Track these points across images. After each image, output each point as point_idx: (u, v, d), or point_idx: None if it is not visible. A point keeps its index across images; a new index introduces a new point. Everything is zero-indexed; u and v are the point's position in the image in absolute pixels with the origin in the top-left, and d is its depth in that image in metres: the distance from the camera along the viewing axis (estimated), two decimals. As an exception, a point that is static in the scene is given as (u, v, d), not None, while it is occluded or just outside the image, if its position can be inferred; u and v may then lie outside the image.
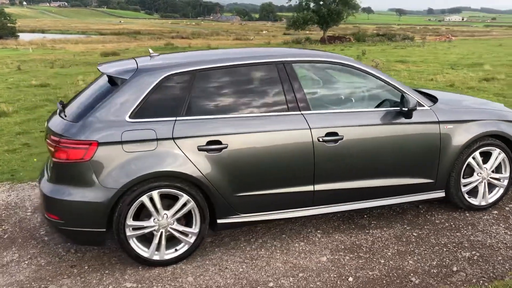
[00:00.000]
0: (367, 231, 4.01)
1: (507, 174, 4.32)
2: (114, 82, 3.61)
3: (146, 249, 3.50)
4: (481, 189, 4.29)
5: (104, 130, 3.33)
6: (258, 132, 3.58)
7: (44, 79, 14.59)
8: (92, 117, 3.37)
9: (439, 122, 4.01)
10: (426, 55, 23.57)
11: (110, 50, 31.96)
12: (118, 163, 3.34)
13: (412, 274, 3.34)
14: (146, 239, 3.53)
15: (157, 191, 3.41)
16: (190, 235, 3.57)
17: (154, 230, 3.48)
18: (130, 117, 3.40)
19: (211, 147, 3.47)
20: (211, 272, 3.47)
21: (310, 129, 3.67)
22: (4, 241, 4.03)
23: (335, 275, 3.37)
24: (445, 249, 3.67)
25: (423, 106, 4.01)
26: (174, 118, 3.46)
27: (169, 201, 3.51)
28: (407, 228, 4.05)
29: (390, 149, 3.90)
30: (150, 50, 4.13)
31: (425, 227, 4.06)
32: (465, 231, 3.96)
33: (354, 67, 3.97)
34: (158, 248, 3.51)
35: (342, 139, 3.73)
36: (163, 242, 3.52)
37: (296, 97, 3.73)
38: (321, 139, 3.68)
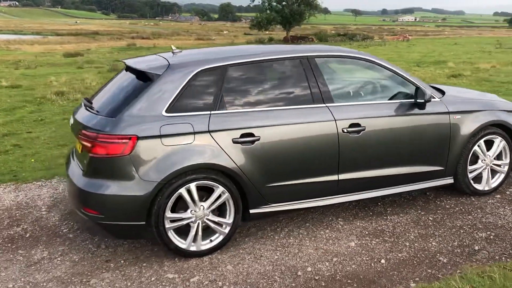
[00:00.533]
0: (385, 217, 4.23)
1: (507, 161, 4.65)
2: (145, 78, 3.65)
3: (183, 241, 3.57)
4: (484, 175, 4.60)
5: (143, 124, 3.38)
6: (287, 124, 3.73)
7: (13, 80, 14.14)
8: (129, 112, 3.41)
9: (449, 113, 4.28)
10: (390, 54, 24.35)
11: (71, 50, 31.16)
12: (158, 157, 3.40)
13: (438, 254, 3.57)
14: (181, 231, 3.60)
15: (194, 183, 3.50)
16: (224, 226, 3.67)
17: (191, 221, 3.56)
18: (166, 111, 3.46)
19: (245, 140, 3.59)
20: (247, 260, 3.58)
21: (335, 120, 3.85)
22: (27, 240, 4.00)
23: (367, 258, 3.56)
24: (462, 231, 3.93)
25: (435, 98, 4.26)
26: (209, 112, 3.55)
27: (203, 193, 3.60)
28: (421, 213, 4.30)
29: (407, 139, 4.13)
30: (173, 47, 4.20)
31: (438, 211, 4.32)
32: (476, 214, 4.24)
33: (371, 61, 4.18)
34: (195, 239, 3.60)
35: (364, 130, 3.93)
36: (200, 233, 3.60)
37: (321, 90, 3.90)
38: (345, 130, 3.86)
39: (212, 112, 3.57)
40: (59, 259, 3.68)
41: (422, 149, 4.23)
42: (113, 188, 3.37)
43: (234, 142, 3.57)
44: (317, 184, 3.89)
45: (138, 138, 3.35)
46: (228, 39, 53.80)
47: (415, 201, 4.56)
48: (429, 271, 3.36)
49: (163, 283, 3.30)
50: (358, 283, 3.24)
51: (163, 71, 3.58)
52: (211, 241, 3.67)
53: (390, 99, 4.28)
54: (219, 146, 3.53)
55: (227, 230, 3.69)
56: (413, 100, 4.15)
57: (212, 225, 3.64)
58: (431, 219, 4.17)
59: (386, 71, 4.23)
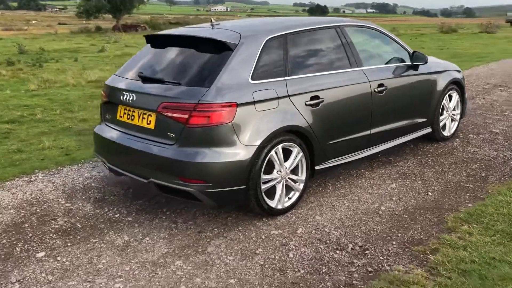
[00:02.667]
0: (397, 164, 4.99)
1: (459, 110, 5.84)
2: (220, 48, 3.67)
3: (271, 201, 3.79)
4: (448, 123, 5.70)
5: (238, 91, 3.50)
6: (341, 86, 4.20)
7: None
8: (222, 80, 3.48)
9: (431, 73, 5.22)
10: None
11: None
12: (254, 122, 3.56)
13: (462, 183, 4.46)
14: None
15: (281, 145, 3.74)
16: (299, 183, 3.98)
17: (277, 181, 3.80)
18: (251, 79, 3.62)
19: (314, 102, 3.95)
20: (326, 210, 3.96)
21: (369, 82, 4.44)
22: (85, 230, 3.73)
23: (416, 194, 4.26)
24: (459, 166, 4.91)
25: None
26: (284, 78, 3.81)
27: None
28: (419, 158, 5.18)
29: (410, 95, 4.94)
30: (212, 19, 4.26)
31: (429, 155, 5.26)
32: (456, 153, 5.30)
33: (377, 30, 4.90)
34: (279, 198, 3.84)
35: (386, 89, 4.60)
36: (284, 192, 3.86)
37: (354, 55, 4.44)
38: (376, 90, 4.48)
39: (286, 78, 3.83)
40: (147, 238, 3.55)
41: (418, 103, 5.10)
42: (220, 155, 3.43)
43: (307, 105, 3.90)
44: (358, 138, 4.45)
45: (238, 105, 3.46)
46: (43, 30, 49.11)
47: (404, 151, 5.42)
48: (468, 195, 4.21)
49: (276, 239, 3.51)
50: (429, 211, 3.91)
51: (238, 41, 3.70)
52: (289, 198, 3.95)
53: (387, 62, 5.01)
54: (296, 109, 3.82)
55: (301, 187, 4.00)
56: (410, 63, 4.95)
57: (291, 183, 3.92)
58: (430, 161, 5.08)
59: (388, 39, 4.95)
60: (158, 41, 4.21)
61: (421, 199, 4.14)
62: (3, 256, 3.32)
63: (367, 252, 3.29)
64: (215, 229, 3.68)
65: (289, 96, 3.78)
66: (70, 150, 5.71)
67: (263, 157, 3.61)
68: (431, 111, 5.32)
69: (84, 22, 53.06)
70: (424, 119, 5.27)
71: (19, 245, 3.48)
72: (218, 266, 3.17)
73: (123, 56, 16.67)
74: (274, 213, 3.83)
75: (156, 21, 49.62)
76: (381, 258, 3.21)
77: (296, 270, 3.10)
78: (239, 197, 3.59)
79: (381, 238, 3.47)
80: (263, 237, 3.55)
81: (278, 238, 3.51)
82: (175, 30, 4.43)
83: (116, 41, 25.20)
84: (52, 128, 6.71)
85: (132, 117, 3.80)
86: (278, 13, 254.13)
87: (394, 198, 4.17)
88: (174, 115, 3.46)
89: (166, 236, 3.59)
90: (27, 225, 3.79)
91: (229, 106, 3.42)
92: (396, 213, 3.89)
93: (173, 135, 3.50)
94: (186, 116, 3.40)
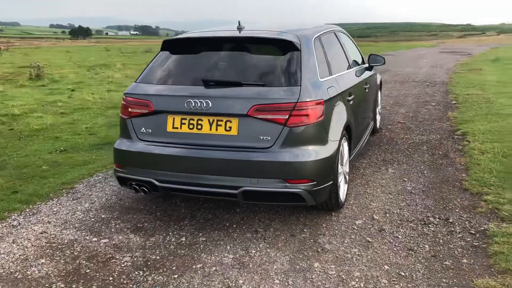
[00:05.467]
0: (369, 156, 5.59)
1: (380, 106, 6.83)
2: (287, 47, 3.59)
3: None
4: (378, 118, 6.60)
5: (319, 89, 3.56)
6: (358, 83, 4.60)
7: None
8: (306, 79, 3.48)
9: (376, 74, 6.01)
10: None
11: None
12: (333, 118, 3.66)
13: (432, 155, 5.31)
14: None
15: (344, 138, 3.92)
16: (345, 174, 4.18)
17: (341, 173, 3.95)
18: (320, 77, 3.72)
19: (350, 98, 4.23)
20: (372, 193, 4.28)
21: (364, 80, 4.94)
22: (155, 227, 3.25)
23: (414, 171, 4.90)
24: (413, 147, 5.79)
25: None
26: (332, 76, 3.99)
27: None
28: (383, 147, 5.89)
29: (369, 93, 5.57)
30: (239, 22, 4.13)
31: (382, 145, 6.01)
32: (407, 139, 6.20)
33: (348, 36, 5.41)
34: (343, 191, 4.00)
35: (369, 86, 5.18)
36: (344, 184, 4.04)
37: (348, 57, 4.87)
38: (366, 88, 5.02)
39: (334, 76, 4.02)
40: (253, 251, 3.31)
41: (373, 98, 5.82)
42: (319, 152, 3.41)
43: (348, 101, 4.16)
44: (363, 130, 4.91)
45: (324, 102, 3.52)
46: None
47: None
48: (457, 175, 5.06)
49: (368, 227, 3.67)
50: (443, 186, 4.59)
51: (299, 40, 3.72)
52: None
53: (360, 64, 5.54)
54: (345, 105, 4.05)
55: (347, 177, 4.21)
56: (367, 65, 5.62)
57: (346, 176, 4.11)
58: (391, 148, 5.83)
59: (352, 44, 5.52)
60: (188, 45, 3.89)
61: (421, 175, 4.80)
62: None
63: (451, 220, 3.74)
64: (305, 230, 3.62)
65: (341, 93, 3.98)
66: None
67: (339, 151, 3.74)
68: (376, 107, 6.12)
69: None
70: (372, 114, 6.02)
71: (124, 289, 2.83)
72: (355, 259, 3.18)
73: None
74: (341, 206, 3.96)
75: None
76: (466, 222, 3.69)
77: (422, 246, 3.34)
78: (328, 193, 3.61)
79: (443, 209, 3.96)
80: (355, 227, 3.66)
81: (369, 226, 3.67)
82: (217, 32, 4.09)
83: None
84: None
85: (199, 126, 3.44)
86: (34, 34, 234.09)
87: (405, 179, 4.72)
88: (271, 116, 3.31)
89: (280, 245, 3.38)
90: (88, 271, 3.08)
91: (319, 103, 3.45)
92: (425, 188, 4.45)
93: (268, 137, 3.33)
94: (286, 117, 3.30)
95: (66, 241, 3.50)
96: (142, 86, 3.70)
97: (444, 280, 2.90)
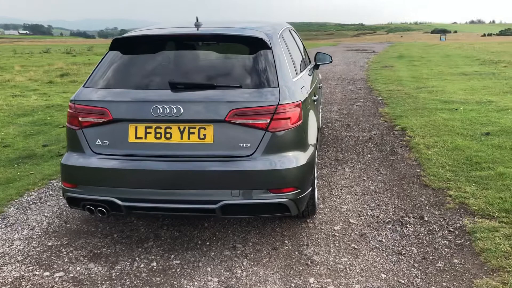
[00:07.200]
0: (329, 155, 5.47)
1: (321, 105, 6.75)
2: (256, 46, 3.29)
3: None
4: (320, 116, 6.53)
5: (296, 90, 3.31)
6: (315, 83, 4.41)
7: None
8: (282, 79, 3.20)
9: (319, 72, 5.92)
10: None
11: None
12: (309, 119, 3.44)
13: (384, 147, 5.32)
14: None
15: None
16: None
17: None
18: (292, 77, 3.47)
19: (315, 98, 4.06)
20: (337, 199, 4.14)
21: (318, 79, 4.79)
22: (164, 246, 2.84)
23: (372, 165, 4.86)
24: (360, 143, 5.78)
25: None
26: (299, 76, 3.75)
27: None
28: (332, 146, 5.81)
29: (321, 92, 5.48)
30: (197, 18, 3.75)
31: (336, 140, 5.94)
32: (346, 137, 6.16)
33: (297, 35, 5.23)
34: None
35: (322, 85, 5.04)
36: (316, 189, 3.84)
37: (303, 55, 4.70)
38: (319, 86, 4.87)
39: (300, 76, 3.79)
40: (239, 272, 2.99)
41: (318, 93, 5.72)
42: (301, 158, 3.16)
43: (314, 101, 3.98)
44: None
45: (302, 103, 3.29)
46: None
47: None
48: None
49: (347, 232, 3.51)
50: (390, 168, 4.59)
51: (267, 38, 3.45)
52: (312, 196, 3.93)
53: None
54: (313, 107, 3.86)
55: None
56: (314, 63, 5.49)
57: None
58: (344, 144, 5.78)
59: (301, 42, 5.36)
60: (144, 44, 3.44)
61: (378, 173, 4.77)
62: None
63: (426, 219, 3.69)
64: (285, 241, 3.37)
65: (309, 93, 3.77)
66: None
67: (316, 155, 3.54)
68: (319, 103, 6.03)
69: None
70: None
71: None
72: (349, 269, 3.00)
73: None
74: (315, 212, 3.76)
75: None
76: (441, 220, 3.67)
77: (409, 249, 3.24)
78: (307, 199, 3.39)
79: (413, 207, 3.91)
80: (336, 234, 3.48)
81: (349, 232, 3.51)
82: (169, 30, 3.64)
83: None
84: None
85: (168, 135, 3.03)
86: None
87: (364, 178, 4.65)
88: (252, 121, 3.00)
89: (265, 261, 3.09)
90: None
91: (298, 105, 3.20)
92: (387, 187, 4.40)
93: (249, 144, 3.02)
94: (267, 121, 3.01)
95: (10, 280, 2.91)
96: (94, 91, 3.19)
97: (444, 284, 2.80)
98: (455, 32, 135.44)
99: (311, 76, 4.49)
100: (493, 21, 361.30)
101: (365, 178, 4.63)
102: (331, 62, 5.48)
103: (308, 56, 5.45)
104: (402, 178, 4.61)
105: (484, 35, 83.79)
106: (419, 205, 3.95)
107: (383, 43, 45.45)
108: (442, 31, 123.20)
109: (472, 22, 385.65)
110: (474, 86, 10.48)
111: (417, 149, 5.49)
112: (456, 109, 7.68)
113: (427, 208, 3.89)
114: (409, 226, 3.56)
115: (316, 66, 5.39)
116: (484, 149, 5.32)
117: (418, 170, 4.80)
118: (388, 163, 5.10)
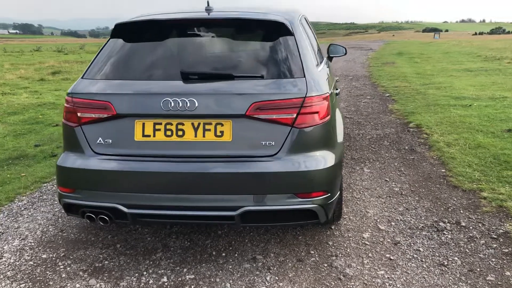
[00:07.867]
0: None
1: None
2: (278, 32, 2.92)
3: (337, 204, 3.34)
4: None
5: (322, 81, 2.93)
6: (334, 76, 4.01)
7: None
8: (308, 68, 2.82)
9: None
10: None
11: None
12: (336, 115, 3.07)
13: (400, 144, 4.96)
14: None
15: (340, 138, 3.36)
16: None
17: (339, 181, 3.39)
18: (316, 65, 3.10)
19: (337, 92, 3.68)
20: (362, 203, 3.77)
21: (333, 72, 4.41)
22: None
23: (393, 164, 4.50)
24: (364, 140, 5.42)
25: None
26: (321, 67, 3.38)
27: None
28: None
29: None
30: (208, 2, 3.36)
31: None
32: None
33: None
34: (339, 199, 3.44)
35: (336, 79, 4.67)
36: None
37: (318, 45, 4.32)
38: (336, 80, 4.49)
39: (322, 66, 3.42)
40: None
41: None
42: (330, 158, 2.76)
43: (337, 95, 3.61)
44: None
45: (330, 95, 2.91)
46: None
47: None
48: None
49: (379, 239, 3.14)
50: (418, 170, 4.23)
51: (289, 23, 3.06)
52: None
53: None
54: (337, 101, 3.49)
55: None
56: (327, 54, 5.12)
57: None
58: (364, 141, 5.41)
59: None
60: (150, 30, 3.04)
61: (401, 174, 4.41)
62: None
63: (463, 224, 3.33)
64: (311, 251, 2.99)
65: (333, 86, 3.40)
66: None
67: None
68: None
69: None
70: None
71: None
72: (389, 284, 2.62)
73: None
74: (340, 217, 3.39)
75: None
76: (480, 225, 3.31)
77: (452, 260, 2.87)
78: (335, 205, 2.99)
79: (446, 211, 3.55)
80: (366, 243, 3.11)
81: (381, 240, 3.15)
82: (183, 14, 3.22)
83: None
84: None
85: (180, 132, 2.64)
86: None
87: (386, 179, 4.29)
88: (276, 116, 2.62)
89: (291, 276, 2.71)
90: None
91: (326, 98, 2.81)
92: (413, 188, 4.04)
93: (272, 142, 2.63)
94: (294, 115, 2.62)
95: (-2, 299, 2.51)
96: (95, 83, 2.79)
97: (501, 301, 2.44)
98: (447, 31, 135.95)
99: (329, 68, 4.12)
100: (484, 20, 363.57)
101: (387, 179, 4.26)
102: (345, 54, 5.09)
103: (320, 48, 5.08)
104: (427, 179, 4.24)
105: (476, 33, 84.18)
106: (452, 208, 3.59)
107: (377, 41, 45.13)
108: (433, 29, 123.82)
109: (462, 21, 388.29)
110: (483, 82, 10.17)
111: (437, 147, 5.14)
112: (470, 105, 7.34)
113: (461, 211, 3.53)
114: (446, 233, 3.20)
115: (330, 59, 5.02)
116: (510, 146, 4.97)
117: (443, 170, 4.44)
118: (408, 162, 4.74)
